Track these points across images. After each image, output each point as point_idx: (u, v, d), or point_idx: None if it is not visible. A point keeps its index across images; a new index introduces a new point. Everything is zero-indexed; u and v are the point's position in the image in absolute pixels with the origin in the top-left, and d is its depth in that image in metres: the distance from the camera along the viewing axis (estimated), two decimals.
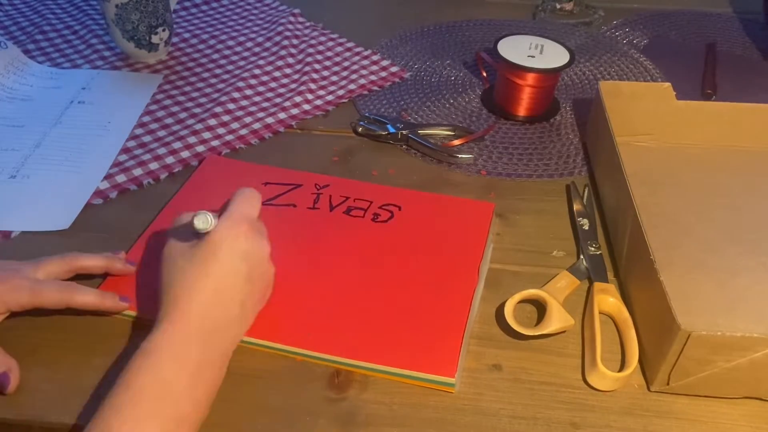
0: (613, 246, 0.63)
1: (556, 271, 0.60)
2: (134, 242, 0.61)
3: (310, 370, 0.52)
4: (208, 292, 0.47)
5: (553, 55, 0.78)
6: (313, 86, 0.85)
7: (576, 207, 0.67)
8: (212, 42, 0.95)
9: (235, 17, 1.02)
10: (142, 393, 0.43)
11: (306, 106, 0.82)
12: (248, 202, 0.52)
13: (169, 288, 0.48)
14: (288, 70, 0.88)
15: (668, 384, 0.50)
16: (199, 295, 0.47)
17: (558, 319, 0.54)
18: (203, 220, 0.48)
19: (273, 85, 0.86)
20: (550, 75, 0.78)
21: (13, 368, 0.50)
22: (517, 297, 0.56)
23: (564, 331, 0.55)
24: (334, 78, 0.87)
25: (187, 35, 0.96)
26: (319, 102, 0.82)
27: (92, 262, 0.56)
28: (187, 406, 0.44)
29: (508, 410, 0.50)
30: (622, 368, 0.53)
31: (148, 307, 0.55)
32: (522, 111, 0.80)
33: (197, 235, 0.49)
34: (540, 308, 0.57)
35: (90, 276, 0.57)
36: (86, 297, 0.53)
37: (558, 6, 1.03)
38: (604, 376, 0.51)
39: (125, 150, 0.74)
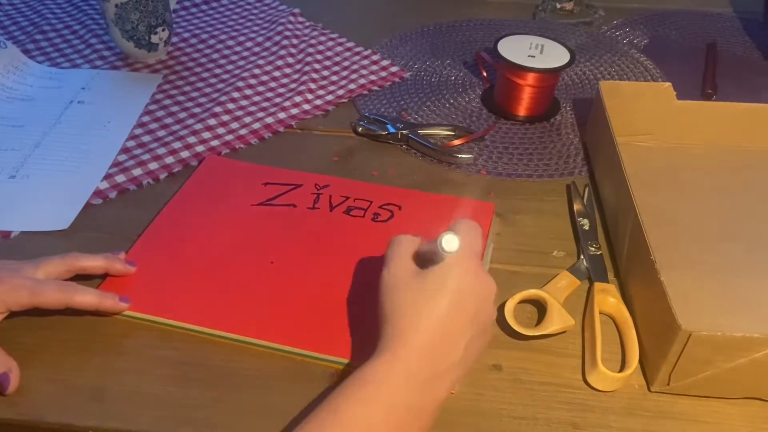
0: (614, 246, 0.63)
1: (556, 271, 0.60)
2: (134, 242, 0.61)
3: (310, 370, 0.52)
4: (434, 328, 0.43)
5: (553, 55, 0.78)
6: (313, 86, 0.85)
7: (576, 207, 0.66)
8: (212, 42, 0.95)
9: (235, 17, 1.02)
10: (345, 430, 0.40)
11: (306, 106, 0.81)
12: (476, 237, 0.48)
13: (392, 319, 0.45)
14: (288, 70, 0.88)
15: (669, 384, 0.50)
16: (425, 331, 0.43)
17: (558, 319, 0.54)
18: (452, 242, 0.44)
19: (273, 85, 0.85)
20: (550, 75, 0.77)
21: (13, 369, 0.50)
22: (518, 297, 0.55)
23: (564, 332, 0.55)
24: (334, 78, 0.87)
25: (186, 35, 0.96)
26: (319, 102, 0.82)
27: (92, 262, 0.56)
28: None
29: (508, 410, 0.50)
30: (622, 368, 0.53)
31: (148, 306, 0.55)
32: (522, 111, 0.80)
33: (422, 266, 0.46)
34: (540, 308, 0.57)
35: (89, 276, 0.57)
36: (86, 297, 0.53)
37: (558, 6, 1.03)
38: (604, 377, 0.51)
39: (125, 150, 0.74)
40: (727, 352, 0.47)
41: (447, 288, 0.44)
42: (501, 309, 0.55)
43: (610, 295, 0.57)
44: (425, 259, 0.48)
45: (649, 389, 0.51)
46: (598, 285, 0.58)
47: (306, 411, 0.45)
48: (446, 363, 0.44)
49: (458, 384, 0.49)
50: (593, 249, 0.62)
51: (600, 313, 0.56)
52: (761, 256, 0.62)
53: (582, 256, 0.61)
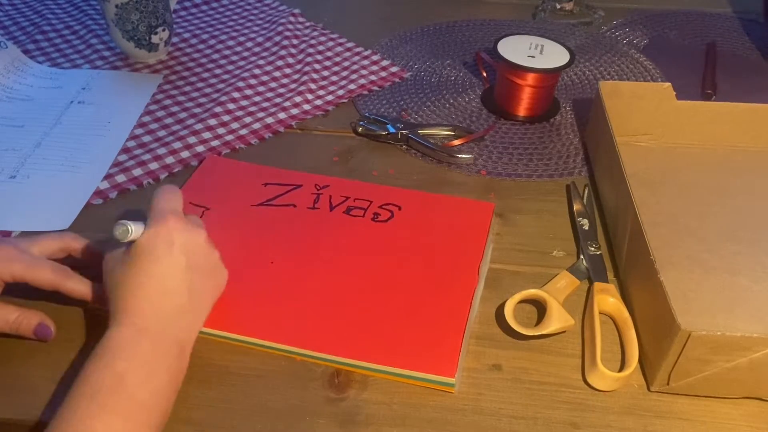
0: (613, 246, 0.63)
1: (556, 271, 0.60)
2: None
3: (310, 370, 0.52)
4: (151, 289, 0.48)
5: (553, 55, 0.78)
6: (313, 86, 0.85)
7: (576, 207, 0.67)
8: (212, 42, 0.95)
9: (235, 17, 1.02)
10: (98, 388, 0.44)
11: (306, 106, 0.82)
12: (166, 198, 0.53)
13: (114, 297, 0.49)
14: (288, 70, 0.88)
15: (668, 384, 0.50)
16: (142, 294, 0.48)
17: (558, 319, 0.54)
18: (122, 231, 0.48)
19: (273, 85, 0.86)
20: (550, 75, 0.78)
21: (44, 318, 0.53)
22: (517, 297, 0.56)
23: (564, 331, 0.55)
24: (334, 78, 0.87)
25: (187, 35, 0.96)
26: (319, 102, 0.82)
27: (87, 247, 0.56)
28: (143, 394, 0.45)
29: (508, 410, 0.50)
30: (622, 368, 0.53)
31: None
32: (522, 111, 0.80)
33: (130, 244, 0.50)
34: (540, 308, 0.57)
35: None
36: (77, 285, 0.53)
37: (558, 6, 1.04)
38: (603, 376, 0.51)
39: (125, 150, 0.74)
40: (727, 351, 0.47)
41: (153, 251, 0.49)
42: (501, 309, 0.55)
43: (609, 294, 0.57)
44: None
45: (648, 389, 0.51)
46: (597, 285, 0.58)
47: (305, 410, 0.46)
48: (172, 311, 0.49)
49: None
50: (593, 249, 0.62)
51: (600, 312, 0.56)
52: (761, 256, 0.62)
53: (582, 256, 0.61)
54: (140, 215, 0.51)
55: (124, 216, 0.53)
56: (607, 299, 0.57)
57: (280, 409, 0.50)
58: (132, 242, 0.49)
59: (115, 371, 0.45)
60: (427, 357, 0.52)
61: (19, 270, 0.51)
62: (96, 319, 0.55)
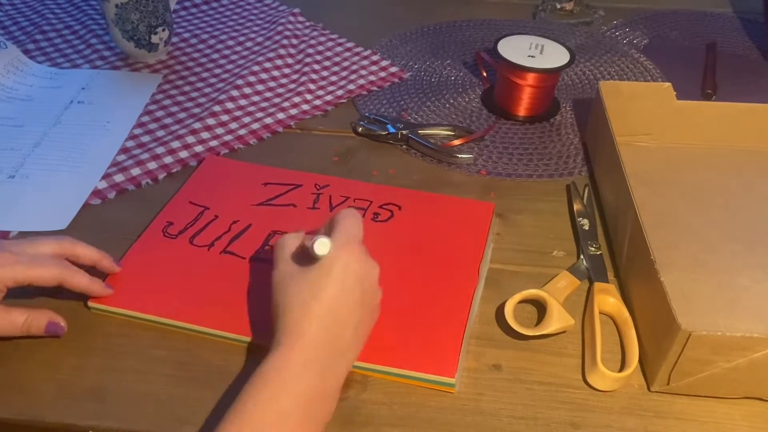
0: (614, 246, 0.63)
1: (556, 271, 0.60)
2: (132, 242, 0.61)
3: None
4: (324, 317, 0.46)
5: (553, 55, 0.78)
6: (312, 86, 0.85)
7: (576, 207, 0.66)
8: (212, 42, 0.95)
9: (234, 17, 1.02)
10: (260, 426, 0.42)
11: (305, 107, 0.81)
12: (355, 224, 0.50)
13: (284, 313, 0.47)
14: (287, 70, 0.88)
15: (668, 384, 0.50)
16: (315, 321, 0.46)
17: (558, 319, 0.54)
18: (323, 246, 0.46)
19: (272, 84, 0.85)
20: (550, 75, 0.77)
21: (53, 315, 0.52)
22: (518, 297, 0.55)
23: (564, 331, 0.55)
24: (334, 78, 0.87)
25: (186, 35, 0.96)
26: (318, 102, 0.82)
27: (85, 251, 0.55)
28: None
29: (508, 410, 0.50)
30: (622, 368, 0.53)
31: (148, 306, 0.55)
32: (522, 111, 0.80)
33: (308, 260, 0.48)
34: (540, 308, 0.57)
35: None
36: (81, 279, 0.53)
37: (558, 6, 1.03)
38: (604, 376, 0.51)
39: (124, 150, 0.74)
40: (727, 351, 0.47)
41: (330, 276, 0.47)
42: (501, 309, 0.55)
43: (610, 295, 0.57)
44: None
45: (648, 389, 0.51)
46: (598, 285, 0.58)
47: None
48: (339, 346, 0.47)
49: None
50: (593, 249, 0.62)
51: (600, 313, 0.56)
52: (761, 256, 0.62)
53: (582, 256, 0.61)
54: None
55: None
56: (608, 299, 0.57)
57: None
58: (312, 260, 0.48)
59: (279, 409, 0.43)
60: (427, 357, 0.51)
61: (20, 273, 0.51)
62: (96, 319, 0.55)
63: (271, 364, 0.45)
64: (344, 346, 0.47)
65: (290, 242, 0.51)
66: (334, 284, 0.47)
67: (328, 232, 0.50)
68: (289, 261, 0.49)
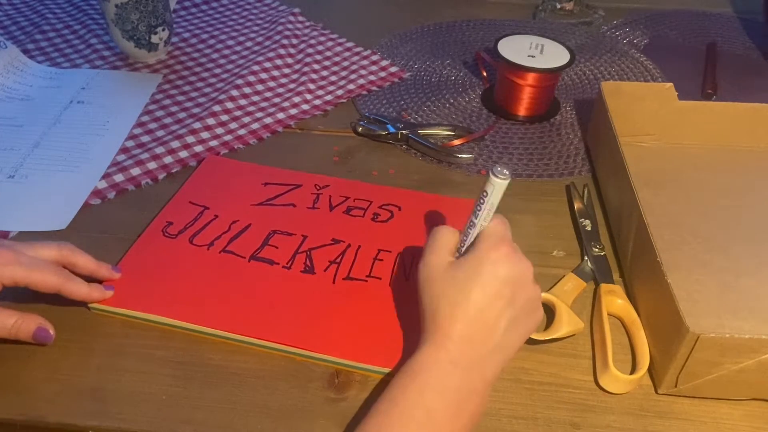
0: (618, 247, 0.63)
1: (557, 270, 0.60)
2: (132, 243, 0.61)
3: (310, 370, 0.52)
4: (471, 317, 0.46)
5: (553, 55, 0.78)
6: (312, 86, 0.85)
7: (577, 206, 0.66)
8: (212, 42, 0.95)
9: (234, 17, 1.02)
10: (407, 421, 0.43)
11: (305, 106, 0.81)
12: (501, 225, 0.49)
13: (431, 311, 0.47)
14: (287, 70, 0.88)
15: (676, 386, 0.50)
16: (462, 320, 0.46)
17: (568, 322, 0.54)
18: (502, 174, 0.46)
19: (272, 84, 0.85)
20: (550, 75, 0.77)
21: (42, 321, 0.52)
22: None
23: (574, 335, 0.54)
24: (334, 78, 0.87)
25: (186, 35, 0.96)
26: (318, 102, 0.82)
27: (84, 261, 0.55)
28: None
29: (508, 410, 0.50)
30: (632, 370, 0.52)
31: (148, 306, 0.55)
32: (522, 111, 0.80)
33: (456, 256, 0.49)
34: (548, 311, 0.57)
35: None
36: (79, 287, 0.53)
37: (558, 6, 1.03)
38: (617, 379, 0.51)
39: (124, 150, 0.74)
40: (735, 353, 0.46)
41: (479, 276, 0.46)
42: None
43: (617, 296, 0.57)
44: (462, 252, 0.50)
45: (656, 391, 0.51)
46: (604, 286, 0.58)
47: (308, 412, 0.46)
48: (487, 347, 0.46)
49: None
50: (597, 250, 0.61)
51: (608, 314, 0.55)
52: (765, 256, 0.62)
53: (586, 257, 0.61)
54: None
55: None
56: (615, 301, 0.56)
57: (280, 409, 0.50)
58: (464, 255, 0.48)
59: (426, 406, 0.43)
60: None
61: (20, 273, 0.50)
62: (96, 319, 0.55)
63: (419, 361, 0.45)
64: (491, 346, 0.46)
65: (445, 236, 0.50)
66: (483, 285, 0.46)
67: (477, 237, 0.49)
68: (438, 255, 0.49)
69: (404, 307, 0.55)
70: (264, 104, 0.82)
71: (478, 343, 0.46)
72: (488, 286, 0.46)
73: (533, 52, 0.78)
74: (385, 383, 0.51)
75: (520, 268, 0.48)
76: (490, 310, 0.46)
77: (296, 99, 0.82)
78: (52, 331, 0.52)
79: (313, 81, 0.86)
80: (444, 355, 0.45)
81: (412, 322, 0.54)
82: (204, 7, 1.04)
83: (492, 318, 0.46)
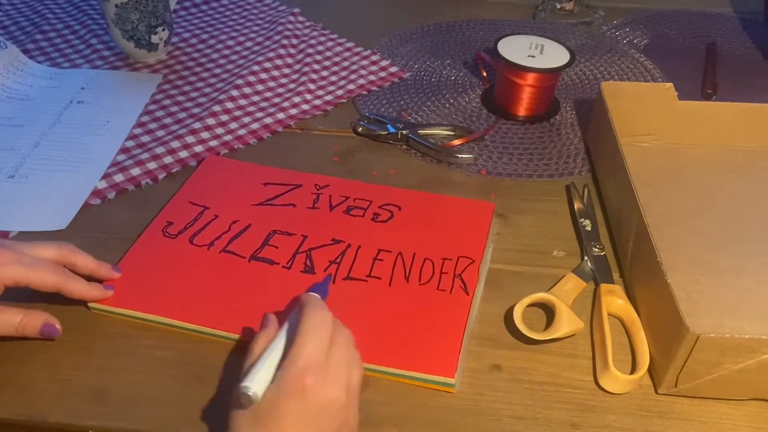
0: (617, 247, 0.63)
1: (557, 271, 0.60)
2: (132, 243, 0.61)
3: None
4: None
5: (553, 55, 0.78)
6: (312, 86, 0.85)
7: (577, 206, 0.66)
8: (212, 42, 0.95)
9: (234, 17, 1.02)
10: None
11: (305, 106, 0.81)
12: (314, 338, 0.43)
13: None
14: (287, 70, 0.88)
15: (676, 386, 0.50)
16: None
17: (568, 322, 0.54)
18: (245, 399, 0.42)
19: (272, 84, 0.85)
20: (550, 75, 0.77)
21: (48, 316, 0.52)
22: (526, 301, 0.55)
23: (574, 335, 0.55)
24: (334, 78, 0.87)
25: (186, 35, 0.96)
26: (318, 102, 0.82)
27: (84, 261, 0.55)
28: None
29: (508, 410, 0.50)
30: (632, 370, 0.52)
31: (148, 306, 0.55)
32: (522, 111, 0.80)
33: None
34: (547, 311, 0.57)
35: None
36: (79, 287, 0.53)
37: (558, 6, 1.03)
38: (617, 379, 0.51)
39: (124, 150, 0.74)
40: (735, 354, 0.46)
41: (280, 420, 0.41)
42: (510, 313, 0.55)
43: (617, 296, 0.57)
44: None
45: (656, 391, 0.51)
46: (604, 286, 0.58)
47: None
48: None
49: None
50: (597, 250, 0.61)
51: (608, 314, 0.55)
52: (765, 256, 0.61)
53: (586, 257, 0.61)
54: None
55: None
56: (615, 301, 0.56)
57: None
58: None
59: None
60: (427, 357, 0.51)
61: (20, 273, 0.50)
62: (96, 319, 0.55)
63: None
64: None
65: (256, 351, 0.45)
66: (285, 428, 0.41)
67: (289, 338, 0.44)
68: (239, 404, 0.43)
69: (404, 307, 0.55)
70: (264, 104, 0.82)
71: None
72: (293, 427, 0.41)
73: (533, 52, 0.78)
74: (385, 382, 0.51)
75: (329, 394, 0.42)
76: None
77: (296, 99, 0.82)
78: (58, 326, 0.52)
79: (313, 81, 0.86)
80: None
81: (413, 322, 0.54)
82: (204, 7, 1.04)
83: None
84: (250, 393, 0.42)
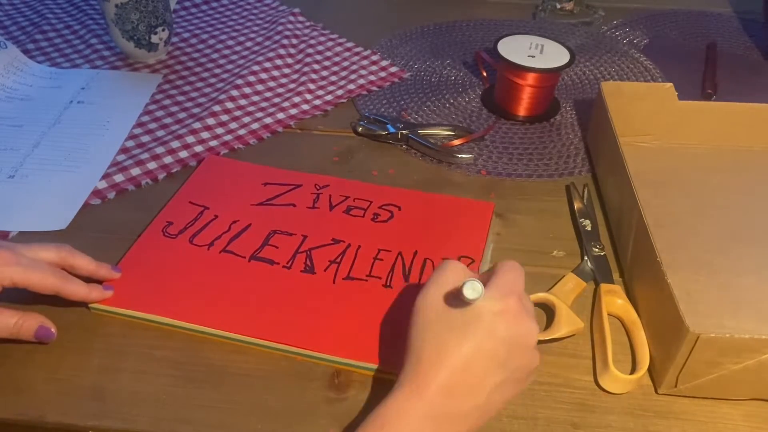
0: (617, 247, 0.63)
1: (557, 270, 0.60)
2: (132, 243, 0.61)
3: (310, 370, 0.52)
4: (457, 369, 0.42)
5: (553, 55, 0.78)
6: (312, 86, 0.85)
7: (577, 206, 0.66)
8: (212, 42, 0.95)
9: (235, 17, 1.02)
10: None
11: (305, 106, 0.81)
12: (515, 274, 0.46)
13: (417, 349, 0.43)
14: (287, 70, 0.88)
15: (676, 386, 0.50)
16: (446, 370, 0.42)
17: (568, 322, 0.54)
18: (473, 289, 0.41)
19: (272, 84, 0.85)
20: (550, 75, 0.77)
21: (43, 320, 0.52)
22: None
23: (574, 335, 0.54)
24: (334, 78, 0.87)
25: (186, 35, 0.96)
26: (318, 102, 0.82)
27: (83, 262, 0.55)
28: None
29: (508, 410, 0.50)
30: (632, 370, 0.52)
31: (148, 306, 0.55)
32: (522, 111, 0.80)
33: (459, 298, 0.43)
34: (547, 311, 0.57)
35: None
36: (77, 288, 0.53)
37: (558, 6, 1.03)
38: (616, 379, 0.50)
39: (124, 150, 0.74)
40: (735, 353, 0.46)
41: (477, 327, 0.42)
42: None
43: (617, 296, 0.57)
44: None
45: (656, 391, 0.51)
46: (604, 286, 0.58)
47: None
48: (467, 405, 0.42)
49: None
50: (597, 250, 0.61)
51: (608, 314, 0.55)
52: (764, 256, 0.61)
53: (586, 257, 0.61)
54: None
55: None
56: (615, 301, 0.56)
57: (280, 409, 0.50)
58: (464, 303, 0.43)
59: None
60: None
61: (18, 274, 0.50)
62: (96, 319, 0.55)
63: (392, 406, 0.42)
64: (471, 406, 0.42)
65: (452, 271, 0.46)
66: (478, 338, 0.42)
67: (486, 281, 0.45)
68: (440, 292, 0.45)
69: (404, 306, 0.55)
70: (264, 104, 0.82)
71: (458, 398, 0.42)
72: (484, 340, 0.42)
73: (533, 52, 0.78)
74: (385, 382, 0.51)
75: (522, 329, 0.44)
76: (479, 366, 0.42)
77: (296, 99, 0.82)
78: (53, 330, 0.52)
79: (313, 81, 0.86)
80: (418, 407, 0.41)
81: None
82: (204, 7, 1.04)
83: (479, 375, 0.42)
84: (480, 288, 0.42)
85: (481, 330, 0.42)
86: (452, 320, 0.43)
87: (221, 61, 0.90)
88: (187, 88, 0.85)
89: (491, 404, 0.44)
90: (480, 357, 0.42)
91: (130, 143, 0.75)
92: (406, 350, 0.44)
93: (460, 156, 0.73)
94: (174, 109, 0.81)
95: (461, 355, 0.42)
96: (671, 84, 0.72)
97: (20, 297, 0.53)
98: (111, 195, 0.68)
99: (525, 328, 0.44)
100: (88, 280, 0.55)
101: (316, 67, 0.89)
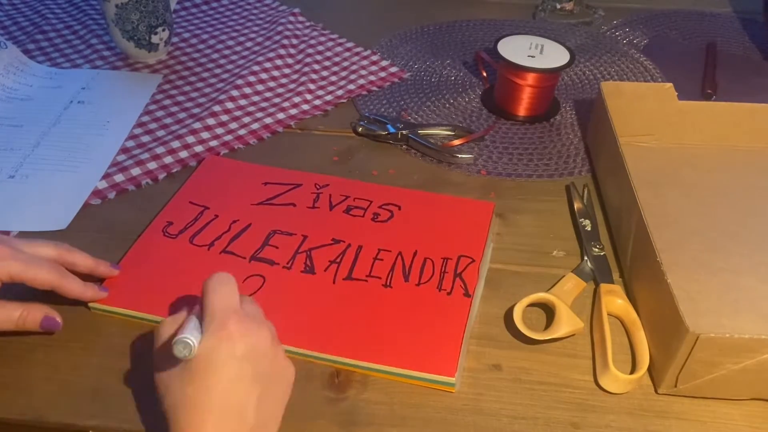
0: (617, 247, 0.63)
1: (557, 270, 0.60)
2: (132, 243, 0.61)
3: (310, 370, 0.52)
4: (217, 410, 0.42)
5: (553, 55, 0.78)
6: (312, 86, 0.85)
7: (577, 206, 0.66)
8: (212, 42, 0.95)
9: (235, 17, 1.02)
10: None
11: (305, 107, 0.81)
12: (223, 295, 0.46)
13: (174, 414, 0.42)
14: (287, 70, 0.88)
15: (676, 386, 0.50)
16: (208, 416, 0.41)
17: (567, 322, 0.54)
18: (184, 346, 0.42)
19: (272, 84, 0.85)
20: (550, 75, 0.77)
21: (48, 309, 0.52)
22: (526, 301, 0.55)
23: (574, 335, 0.54)
24: (334, 78, 0.87)
25: (187, 35, 0.96)
26: (318, 102, 0.82)
27: (81, 260, 0.55)
28: None
29: (508, 410, 0.50)
30: (632, 370, 0.52)
31: (148, 306, 0.55)
32: (522, 111, 0.80)
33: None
34: (547, 311, 0.57)
35: None
36: (74, 285, 0.53)
37: (558, 6, 1.03)
38: (617, 379, 0.50)
39: (124, 150, 0.74)
40: (735, 353, 0.46)
41: (213, 367, 0.42)
42: (510, 313, 0.55)
43: (617, 296, 0.57)
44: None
45: (656, 391, 0.51)
46: (604, 286, 0.58)
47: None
48: (244, 430, 0.43)
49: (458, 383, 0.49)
50: (597, 250, 0.61)
51: (608, 314, 0.55)
52: (764, 256, 0.61)
53: (586, 257, 0.61)
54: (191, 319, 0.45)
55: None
56: (615, 301, 0.56)
57: None
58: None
59: None
60: (427, 357, 0.51)
61: (16, 269, 0.50)
62: (95, 318, 0.55)
63: None
64: (250, 427, 0.43)
65: (167, 331, 0.46)
66: (218, 374, 0.42)
67: (201, 307, 0.46)
68: (167, 356, 0.44)
69: (404, 306, 0.55)
70: (264, 104, 0.82)
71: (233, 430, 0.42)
72: (226, 371, 0.42)
73: (533, 52, 0.78)
74: (385, 382, 0.51)
75: (253, 339, 0.44)
76: (233, 395, 0.42)
77: (296, 99, 0.82)
78: (59, 319, 0.52)
79: (313, 81, 0.86)
80: None
81: (413, 322, 0.54)
82: (204, 7, 1.04)
83: (238, 403, 0.42)
84: (190, 342, 0.42)
85: (219, 365, 0.42)
86: (190, 372, 0.43)
87: (221, 61, 0.90)
88: (187, 88, 0.85)
89: (266, 417, 0.44)
90: (230, 387, 0.42)
91: (131, 143, 0.75)
92: (165, 421, 0.43)
93: (460, 156, 0.73)
94: (174, 109, 0.81)
95: (213, 399, 0.42)
96: (671, 84, 0.72)
97: (18, 296, 0.53)
98: (111, 195, 0.68)
99: (255, 337, 0.44)
100: (88, 278, 0.55)
101: (316, 67, 0.89)
